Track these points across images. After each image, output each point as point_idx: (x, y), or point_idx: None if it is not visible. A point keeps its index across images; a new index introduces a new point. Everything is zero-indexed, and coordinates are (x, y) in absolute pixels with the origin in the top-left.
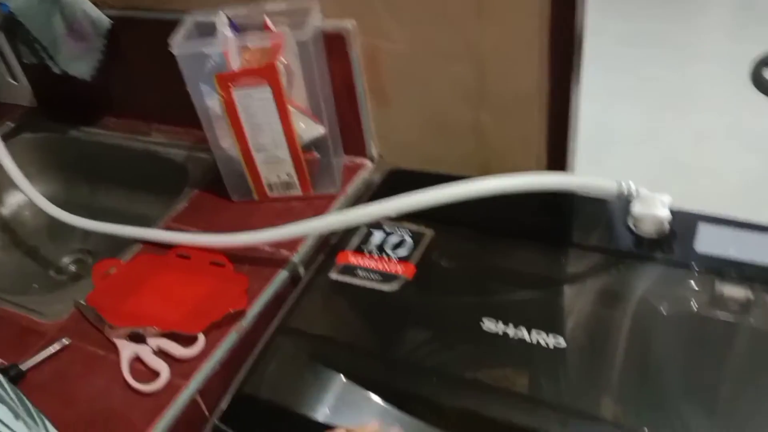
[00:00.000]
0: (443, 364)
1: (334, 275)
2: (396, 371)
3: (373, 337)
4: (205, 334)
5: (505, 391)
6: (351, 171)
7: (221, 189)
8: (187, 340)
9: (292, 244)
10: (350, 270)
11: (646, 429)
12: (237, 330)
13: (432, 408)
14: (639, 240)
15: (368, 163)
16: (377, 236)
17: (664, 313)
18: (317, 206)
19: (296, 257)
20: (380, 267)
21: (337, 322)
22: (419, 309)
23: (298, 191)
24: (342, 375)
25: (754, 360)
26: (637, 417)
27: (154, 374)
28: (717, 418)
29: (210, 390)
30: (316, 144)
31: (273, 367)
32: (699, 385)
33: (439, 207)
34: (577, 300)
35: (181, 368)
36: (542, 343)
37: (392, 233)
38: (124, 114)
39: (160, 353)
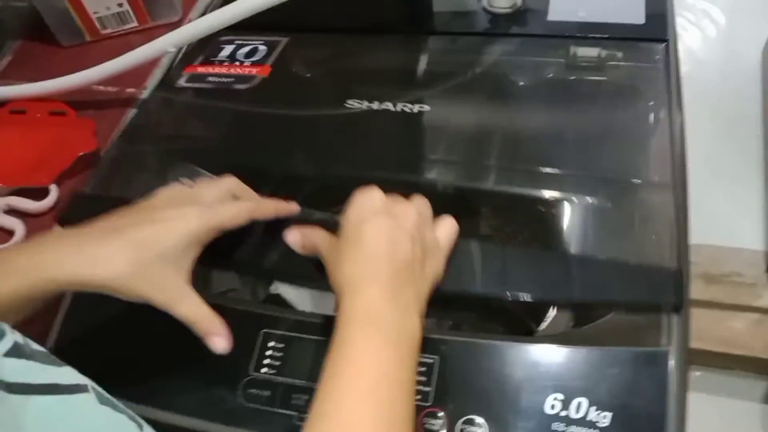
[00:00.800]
0: (309, 142)
1: (182, 83)
2: (259, 155)
3: (231, 131)
4: (58, 184)
5: (379, 155)
6: None
7: (48, 36)
8: (40, 194)
9: (138, 81)
10: (200, 78)
11: (542, 169)
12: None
13: (304, 182)
14: (495, 17)
15: None
16: (227, 49)
17: (523, 81)
18: (159, 36)
19: (145, 94)
20: (232, 71)
21: (191, 124)
22: (278, 102)
23: (134, 22)
24: (198, 167)
25: (600, 109)
26: (507, 162)
27: (9, 234)
28: (579, 161)
29: None
30: None
31: (124, 171)
32: (559, 136)
33: (291, 14)
34: (439, 78)
35: (38, 223)
36: (407, 109)
37: (244, 45)
38: None
39: (12, 212)
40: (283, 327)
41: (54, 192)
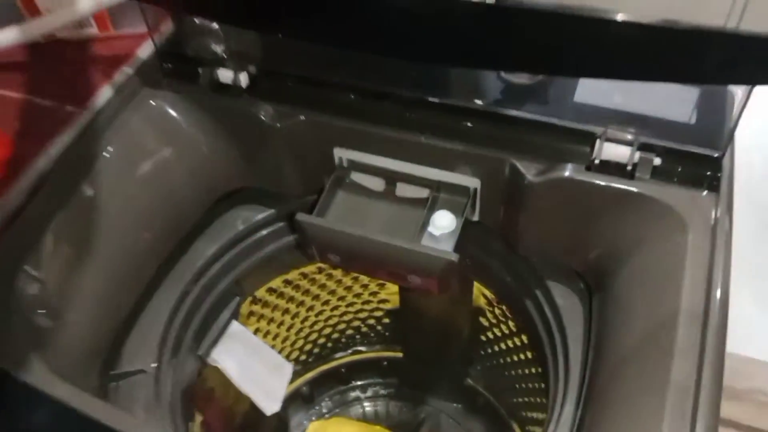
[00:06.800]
0: None
1: None
2: None
3: None
4: None
5: None
6: None
7: None
8: None
9: (80, 99)
10: None
11: None
12: None
13: None
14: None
15: None
16: None
17: None
18: (119, 48)
19: (86, 116)
20: None
21: None
22: None
23: (93, 28)
24: None
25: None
26: None
27: None
28: None
29: None
30: None
31: None
32: None
33: None
34: None
35: None
36: None
37: None
38: None
39: None
40: None
41: None
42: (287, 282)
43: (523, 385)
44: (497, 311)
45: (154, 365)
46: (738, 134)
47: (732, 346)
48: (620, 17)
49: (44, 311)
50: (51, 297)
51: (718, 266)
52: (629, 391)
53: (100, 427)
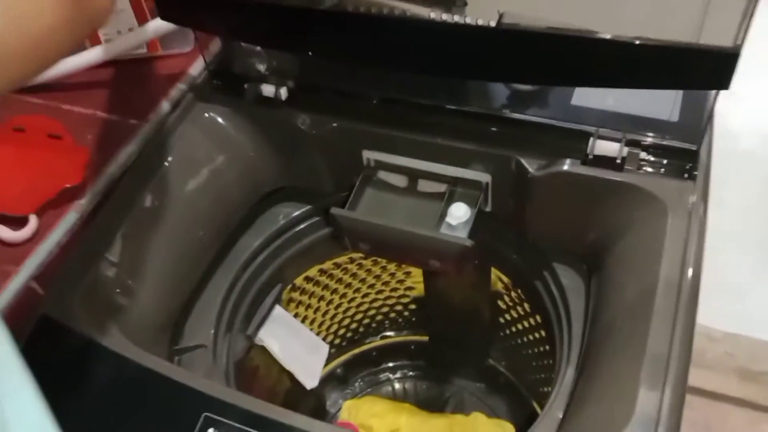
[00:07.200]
0: None
1: None
2: None
3: None
4: (39, 215)
5: None
6: None
7: None
8: (19, 222)
9: (142, 112)
10: None
11: None
12: (76, 209)
13: None
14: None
15: None
16: None
17: None
18: (169, 67)
19: (146, 128)
20: None
21: None
22: None
23: (144, 49)
24: None
25: None
26: None
27: None
28: None
29: (48, 275)
30: None
31: None
32: None
33: None
34: None
35: (12, 253)
36: None
37: None
38: None
39: None
40: (229, 415)
41: (33, 222)
42: (322, 271)
43: (539, 363)
44: (513, 294)
45: (211, 340)
46: None
47: (749, 329)
48: (603, 35)
49: (120, 290)
50: (126, 279)
51: (692, 245)
52: (613, 354)
53: (172, 383)
